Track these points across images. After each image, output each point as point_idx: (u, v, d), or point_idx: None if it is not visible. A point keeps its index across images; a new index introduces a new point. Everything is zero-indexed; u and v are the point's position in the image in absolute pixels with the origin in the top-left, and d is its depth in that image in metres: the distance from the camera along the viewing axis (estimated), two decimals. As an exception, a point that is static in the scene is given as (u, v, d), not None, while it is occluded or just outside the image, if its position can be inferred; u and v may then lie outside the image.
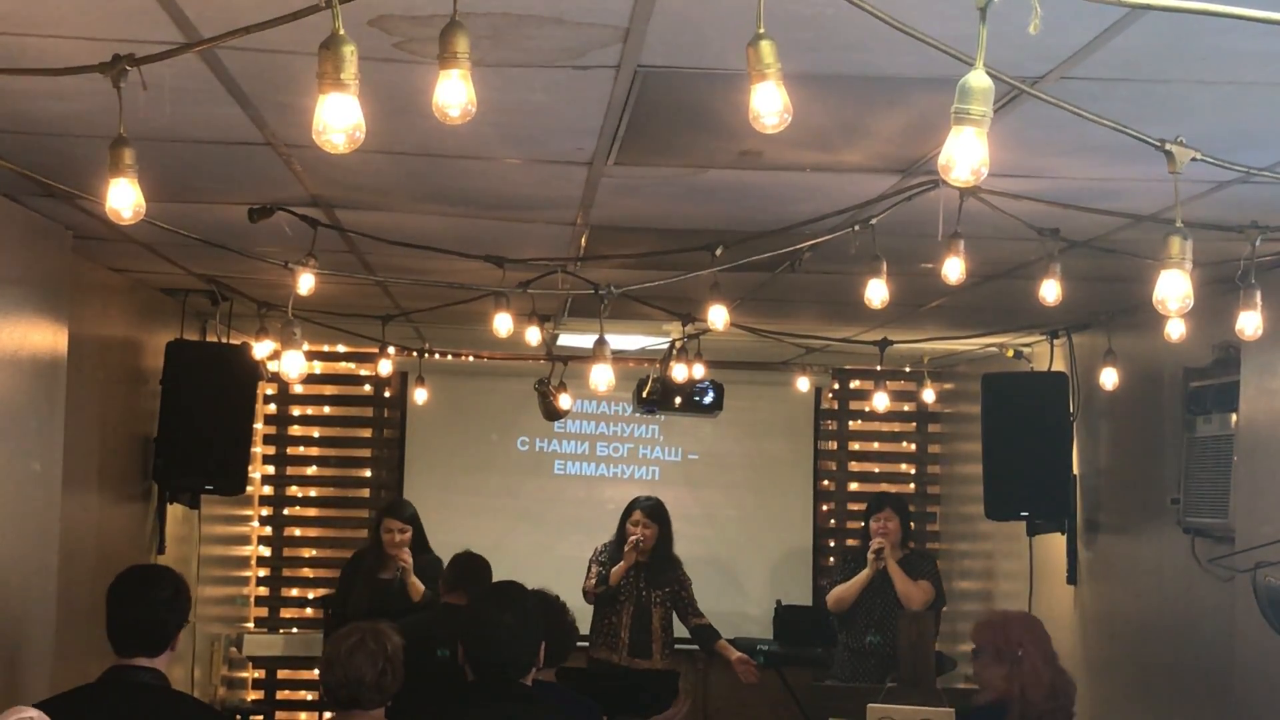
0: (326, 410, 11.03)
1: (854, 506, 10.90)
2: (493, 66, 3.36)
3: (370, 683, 4.20)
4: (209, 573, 9.29)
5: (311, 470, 11.01)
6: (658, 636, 8.05)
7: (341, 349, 10.79)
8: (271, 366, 7.63)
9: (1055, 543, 8.30)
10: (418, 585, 7.95)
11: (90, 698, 4.02)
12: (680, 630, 8.30)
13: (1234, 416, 6.07)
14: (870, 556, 8.15)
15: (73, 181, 4.34)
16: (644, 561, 8.09)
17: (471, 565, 6.57)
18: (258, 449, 10.45)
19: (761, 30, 2.44)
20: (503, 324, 5.97)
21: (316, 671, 5.78)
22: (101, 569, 6.60)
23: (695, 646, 8.57)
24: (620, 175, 4.63)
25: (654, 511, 8.17)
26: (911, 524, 8.54)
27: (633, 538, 8.05)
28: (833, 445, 11.28)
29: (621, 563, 8.03)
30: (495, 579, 4.37)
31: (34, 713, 2.94)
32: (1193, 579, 6.48)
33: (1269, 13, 2.36)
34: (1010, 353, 8.92)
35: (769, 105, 2.49)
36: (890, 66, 3.39)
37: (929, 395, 8.98)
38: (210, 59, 3.49)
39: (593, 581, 8.07)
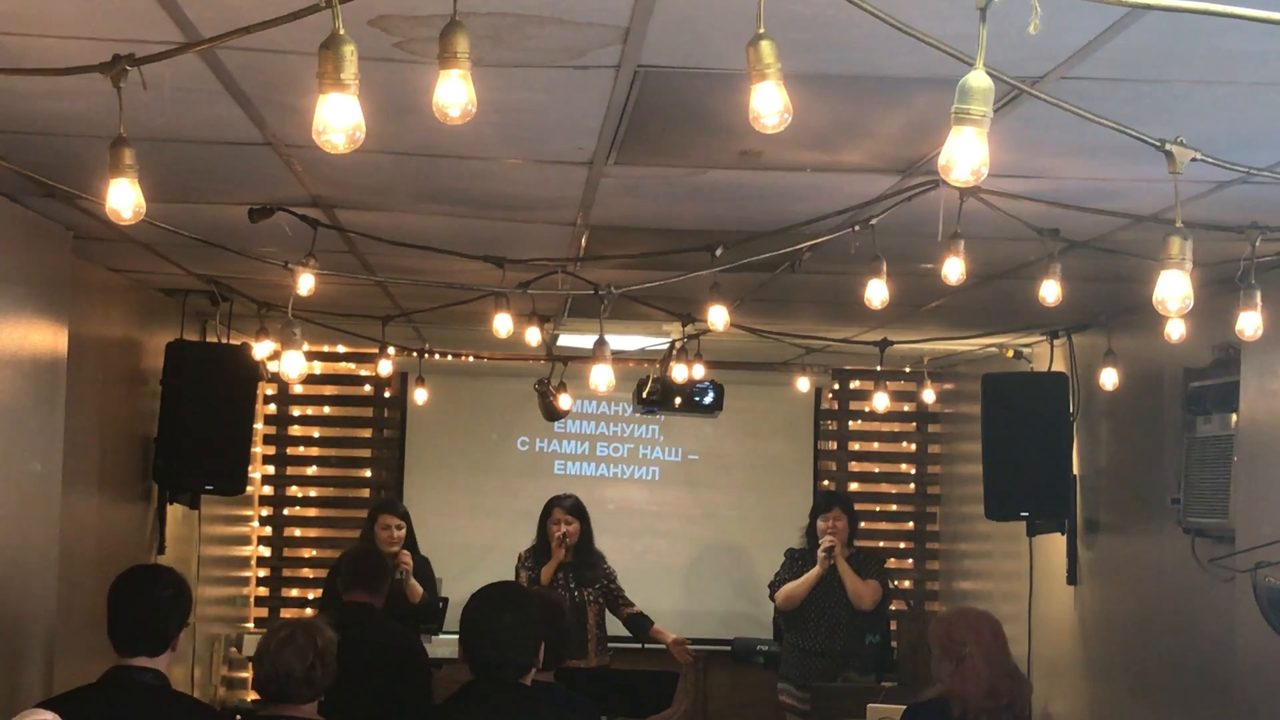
0: (326, 410, 11.02)
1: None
2: (493, 66, 3.36)
3: (299, 677, 4.22)
4: (209, 573, 9.29)
5: (311, 470, 11.00)
6: (593, 635, 8.01)
7: (341, 349, 10.78)
8: (271, 366, 7.63)
9: (1055, 543, 8.30)
10: (416, 588, 7.94)
11: (91, 698, 4.02)
12: (615, 628, 8.25)
13: (1234, 416, 6.06)
14: (821, 555, 8.18)
15: (73, 181, 4.34)
16: (568, 561, 8.07)
17: (369, 562, 6.48)
18: (258, 449, 10.44)
19: (761, 30, 2.44)
20: (503, 324, 5.97)
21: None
22: (101, 569, 6.60)
23: (633, 644, 8.48)
24: (620, 175, 4.63)
25: (574, 509, 8.17)
26: (859, 524, 8.57)
27: (558, 533, 8.03)
28: (833, 445, 11.27)
29: (551, 561, 8.02)
30: (496, 579, 4.36)
31: (48, 715, 2.94)
32: (1193, 579, 6.47)
33: (1269, 13, 2.36)
34: (1010, 353, 8.92)
35: (769, 105, 2.49)
36: (890, 66, 3.39)
37: (929, 395, 8.99)
38: (210, 59, 3.49)
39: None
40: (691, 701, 8.65)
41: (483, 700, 4.06)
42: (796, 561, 8.44)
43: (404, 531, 8.11)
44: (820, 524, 8.31)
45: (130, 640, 4.06)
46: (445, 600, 8.59)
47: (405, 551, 8.00)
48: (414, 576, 7.91)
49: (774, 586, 8.44)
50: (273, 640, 4.29)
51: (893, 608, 9.06)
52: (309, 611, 10.53)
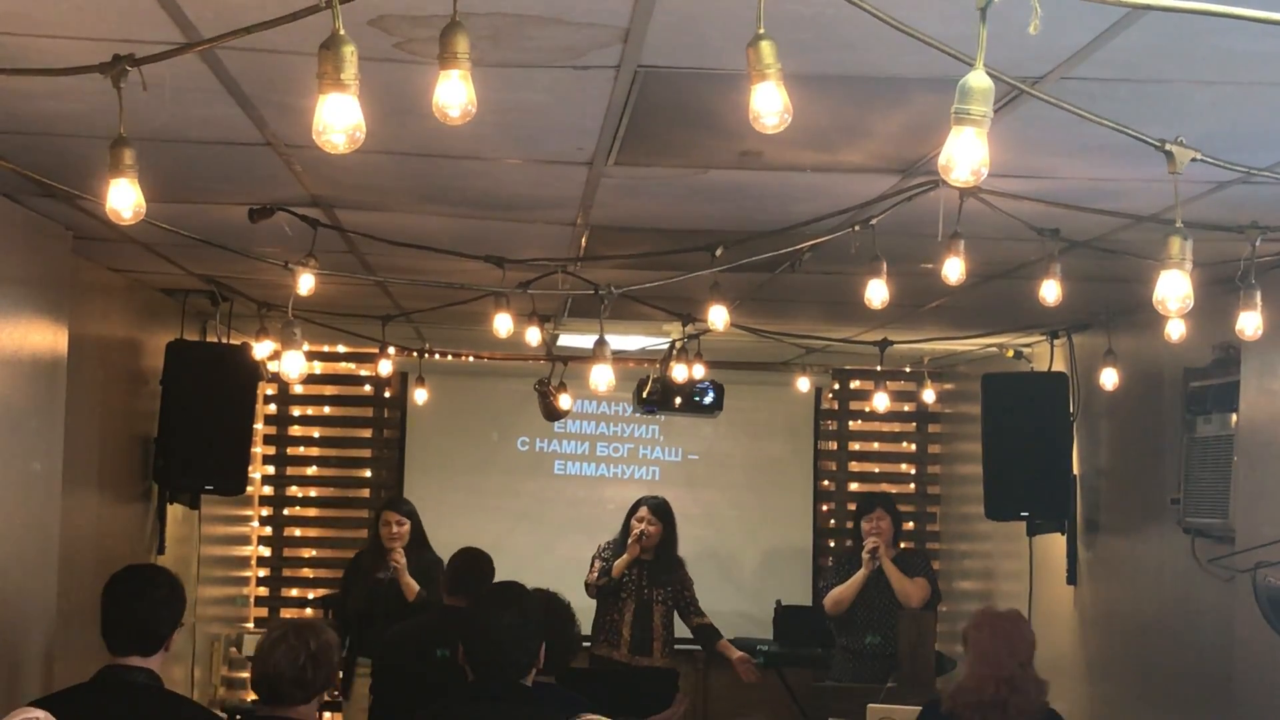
0: (326, 410, 11.03)
1: (854, 507, 10.89)
2: (493, 66, 3.36)
3: (290, 678, 4.20)
4: (209, 573, 9.29)
5: (311, 470, 11.01)
6: (659, 635, 8.09)
7: (341, 349, 10.78)
8: (271, 366, 7.63)
9: (1055, 543, 8.30)
10: (412, 585, 7.93)
11: (83, 697, 4.00)
12: (682, 630, 8.33)
13: (1234, 416, 6.06)
14: (865, 556, 8.18)
15: (73, 181, 4.34)
16: (647, 560, 8.14)
17: (474, 565, 6.49)
18: (258, 449, 10.44)
19: (761, 30, 2.44)
20: (503, 324, 5.98)
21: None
22: (101, 569, 6.58)
23: (696, 646, 8.61)
24: (620, 175, 4.63)
25: (660, 510, 8.22)
26: (903, 523, 8.57)
27: (636, 530, 8.09)
28: (833, 445, 11.27)
29: (625, 555, 8.08)
30: (495, 579, 4.37)
31: (40, 713, 2.93)
32: (1193, 579, 6.47)
33: (1269, 13, 2.36)
34: (1010, 353, 8.92)
35: (769, 105, 2.49)
36: (890, 66, 3.40)
37: (929, 395, 8.98)
38: (210, 59, 3.49)
39: (595, 574, 8.13)
40: (692, 701, 8.65)
41: (481, 700, 4.06)
42: (843, 566, 8.46)
43: (405, 528, 8.12)
44: (864, 525, 8.33)
45: (123, 640, 4.05)
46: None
47: (399, 550, 8.01)
48: (424, 575, 7.89)
49: (822, 593, 8.47)
50: (266, 640, 4.29)
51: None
52: (309, 611, 10.54)
